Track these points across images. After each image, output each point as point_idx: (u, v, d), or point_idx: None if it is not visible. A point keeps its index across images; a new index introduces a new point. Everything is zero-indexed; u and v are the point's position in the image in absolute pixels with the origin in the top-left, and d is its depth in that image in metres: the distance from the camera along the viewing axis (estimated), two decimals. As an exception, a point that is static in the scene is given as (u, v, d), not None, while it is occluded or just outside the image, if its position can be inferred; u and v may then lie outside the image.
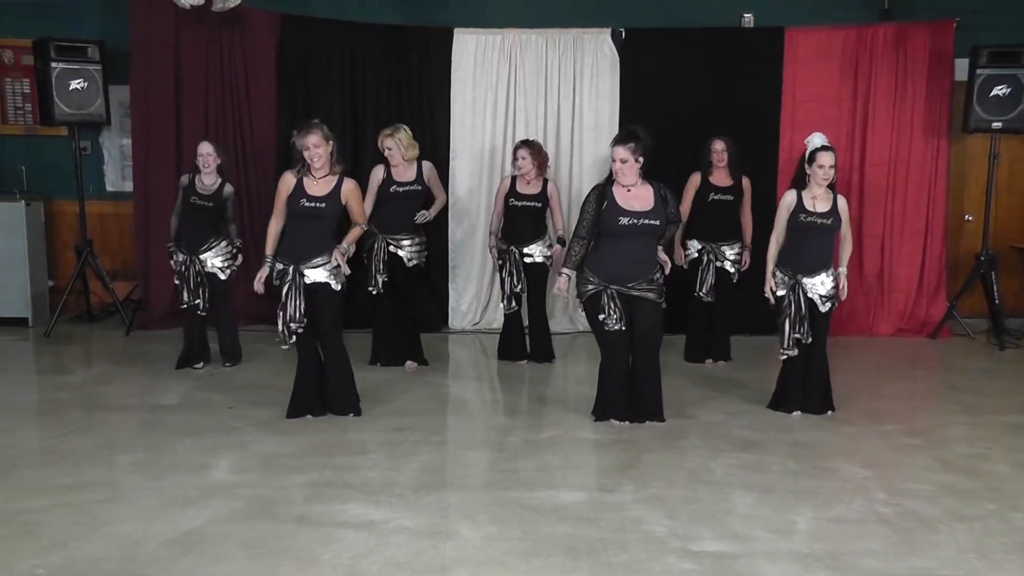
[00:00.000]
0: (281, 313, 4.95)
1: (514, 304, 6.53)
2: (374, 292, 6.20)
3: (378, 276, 6.17)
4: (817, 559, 3.48)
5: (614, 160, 4.95)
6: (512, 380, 6.33)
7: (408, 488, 4.15)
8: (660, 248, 5.12)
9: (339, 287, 5.03)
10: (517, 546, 3.56)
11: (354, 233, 5.20)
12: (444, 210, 7.18)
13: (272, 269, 5.05)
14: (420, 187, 6.28)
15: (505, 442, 4.88)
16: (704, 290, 6.48)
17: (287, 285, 4.95)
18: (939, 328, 7.63)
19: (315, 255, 4.97)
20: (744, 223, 6.60)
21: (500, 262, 6.53)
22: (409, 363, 6.41)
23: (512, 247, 6.43)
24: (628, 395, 5.09)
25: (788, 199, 5.24)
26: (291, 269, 4.96)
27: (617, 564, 3.42)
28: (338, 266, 5.01)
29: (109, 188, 8.24)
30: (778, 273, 5.24)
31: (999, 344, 7.28)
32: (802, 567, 3.41)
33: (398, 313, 6.36)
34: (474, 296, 7.81)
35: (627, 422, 5.08)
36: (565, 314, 7.77)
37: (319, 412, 5.19)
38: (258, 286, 5.15)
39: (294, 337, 4.99)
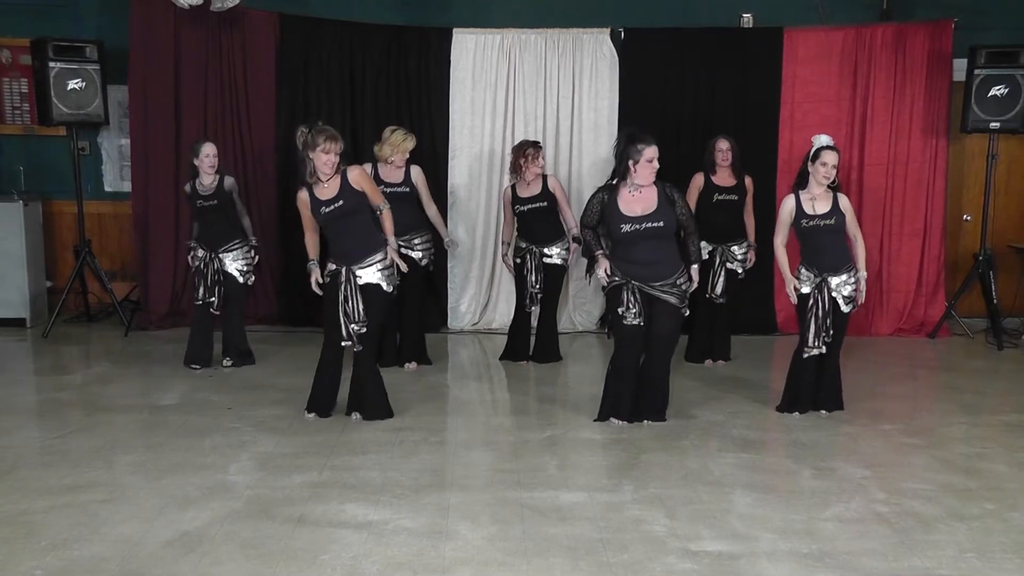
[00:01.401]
0: (344, 318, 4.95)
1: (534, 304, 6.49)
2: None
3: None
4: (817, 559, 3.48)
5: (651, 160, 4.87)
6: (512, 380, 6.33)
7: (408, 488, 4.15)
8: (694, 267, 5.09)
9: (391, 289, 5.05)
10: (517, 546, 3.56)
11: (387, 221, 5.15)
12: (442, 210, 7.21)
13: (318, 268, 5.06)
14: (408, 189, 6.26)
15: (505, 442, 4.88)
16: (718, 292, 6.48)
17: (343, 287, 4.96)
18: (938, 328, 7.64)
19: (366, 255, 4.99)
20: (747, 222, 6.58)
21: (519, 261, 6.49)
22: (408, 364, 6.41)
23: (532, 246, 6.42)
24: (634, 399, 5.08)
25: (788, 205, 5.23)
26: (343, 270, 4.97)
27: (617, 564, 3.42)
28: (392, 264, 5.03)
29: (107, 188, 8.23)
30: (803, 271, 5.22)
31: (997, 344, 7.28)
32: (802, 567, 3.42)
33: (404, 314, 6.36)
34: (473, 296, 7.80)
35: (625, 422, 5.08)
36: (565, 314, 7.77)
37: (326, 414, 5.18)
38: (316, 288, 5.09)
39: (356, 338, 4.98)
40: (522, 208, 6.42)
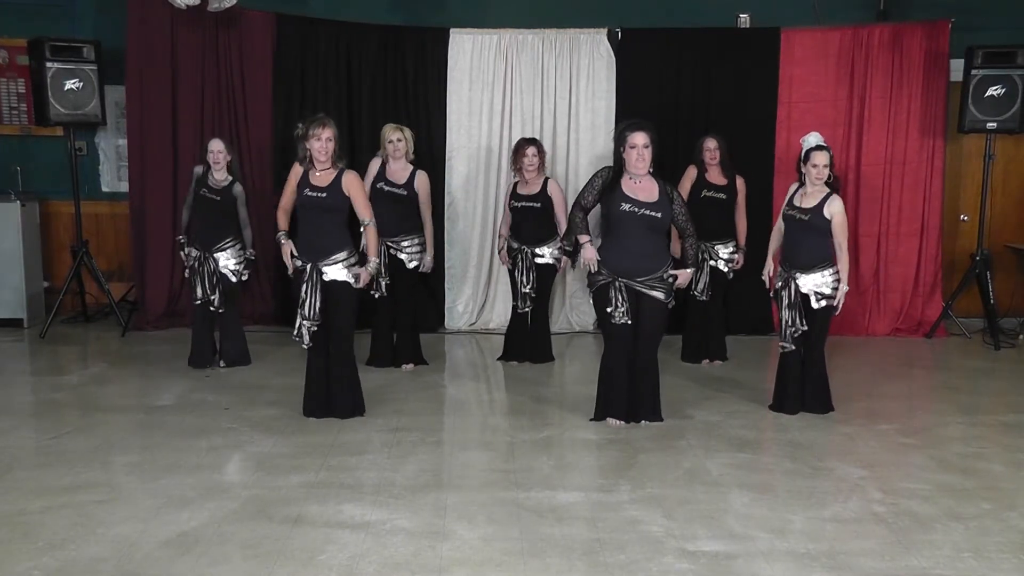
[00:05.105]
0: (300, 312, 4.97)
1: (528, 304, 6.48)
2: (376, 296, 6.18)
3: (380, 280, 6.15)
4: (814, 558, 3.48)
5: (634, 146, 4.85)
6: (509, 380, 6.33)
7: (405, 488, 4.15)
8: (687, 271, 5.13)
9: (358, 285, 5.06)
10: (514, 546, 3.56)
11: (371, 239, 5.10)
12: (440, 210, 7.21)
13: (290, 241, 5.04)
14: (407, 192, 6.26)
15: (502, 442, 4.88)
16: (699, 289, 6.49)
17: (305, 284, 4.96)
18: (935, 328, 7.65)
19: (333, 251, 4.98)
20: (738, 223, 6.59)
21: (510, 266, 6.51)
22: (406, 364, 6.41)
23: (524, 247, 6.43)
24: (629, 396, 5.08)
25: (789, 191, 5.38)
26: (309, 267, 4.97)
27: (614, 564, 3.42)
28: (357, 274, 5.00)
29: (105, 188, 8.24)
30: (777, 268, 5.33)
31: (994, 344, 7.29)
32: (799, 566, 3.42)
33: (397, 315, 6.36)
34: (470, 297, 7.80)
35: (622, 422, 5.08)
36: (562, 315, 7.77)
37: (322, 414, 5.18)
38: (289, 260, 5.04)
39: (309, 336, 4.98)
40: (516, 204, 6.45)
